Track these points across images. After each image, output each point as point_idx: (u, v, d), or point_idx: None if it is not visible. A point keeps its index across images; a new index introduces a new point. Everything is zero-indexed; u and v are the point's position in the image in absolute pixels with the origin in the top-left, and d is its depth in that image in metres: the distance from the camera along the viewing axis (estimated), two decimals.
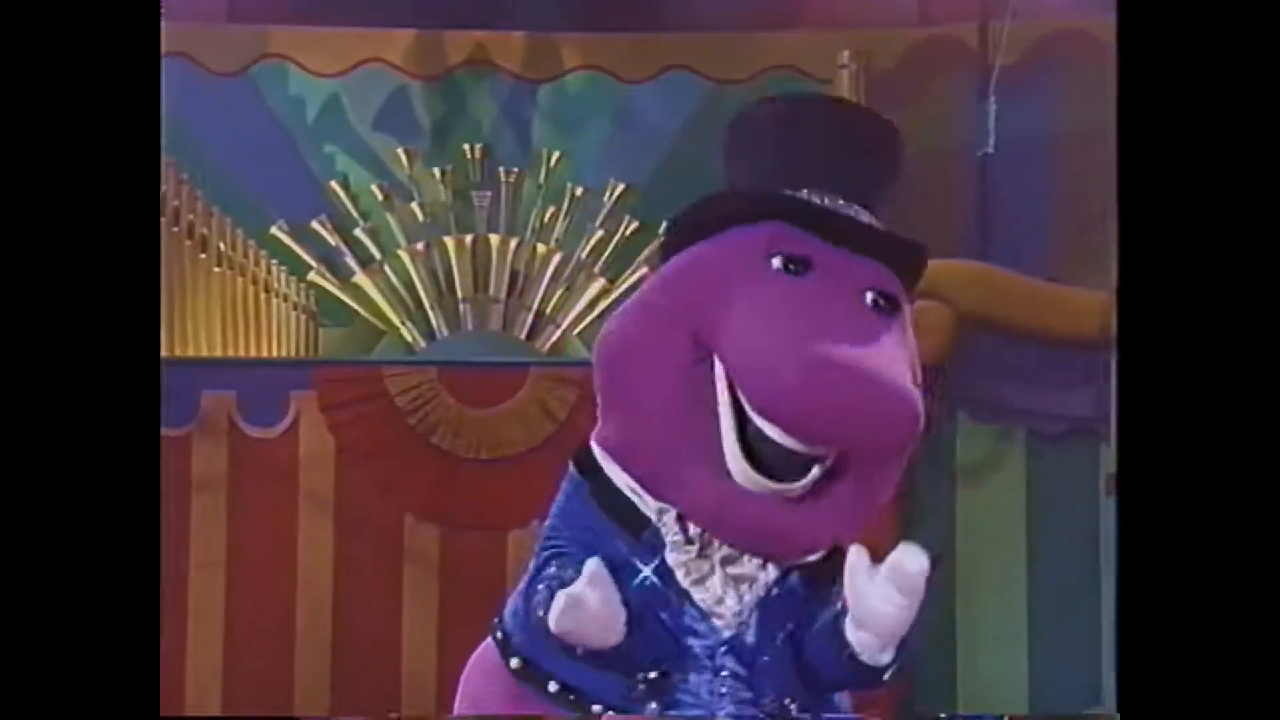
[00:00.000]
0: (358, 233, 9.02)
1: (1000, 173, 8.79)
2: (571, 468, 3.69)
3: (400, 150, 9.06)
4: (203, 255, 8.73)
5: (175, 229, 8.56)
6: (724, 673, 3.53)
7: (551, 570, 3.55)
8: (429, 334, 8.95)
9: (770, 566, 3.56)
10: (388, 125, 9.13)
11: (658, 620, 3.52)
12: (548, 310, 8.99)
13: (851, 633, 3.46)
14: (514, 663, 3.62)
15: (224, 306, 8.74)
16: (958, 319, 8.57)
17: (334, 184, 9.07)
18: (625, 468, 3.59)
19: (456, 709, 3.77)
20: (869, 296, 3.50)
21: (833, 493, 3.50)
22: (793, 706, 3.54)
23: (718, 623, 3.54)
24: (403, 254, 8.98)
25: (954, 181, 8.95)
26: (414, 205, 9.04)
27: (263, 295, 8.80)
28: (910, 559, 3.38)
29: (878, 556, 3.54)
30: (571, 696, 3.56)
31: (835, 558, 3.56)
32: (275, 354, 8.77)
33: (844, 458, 3.49)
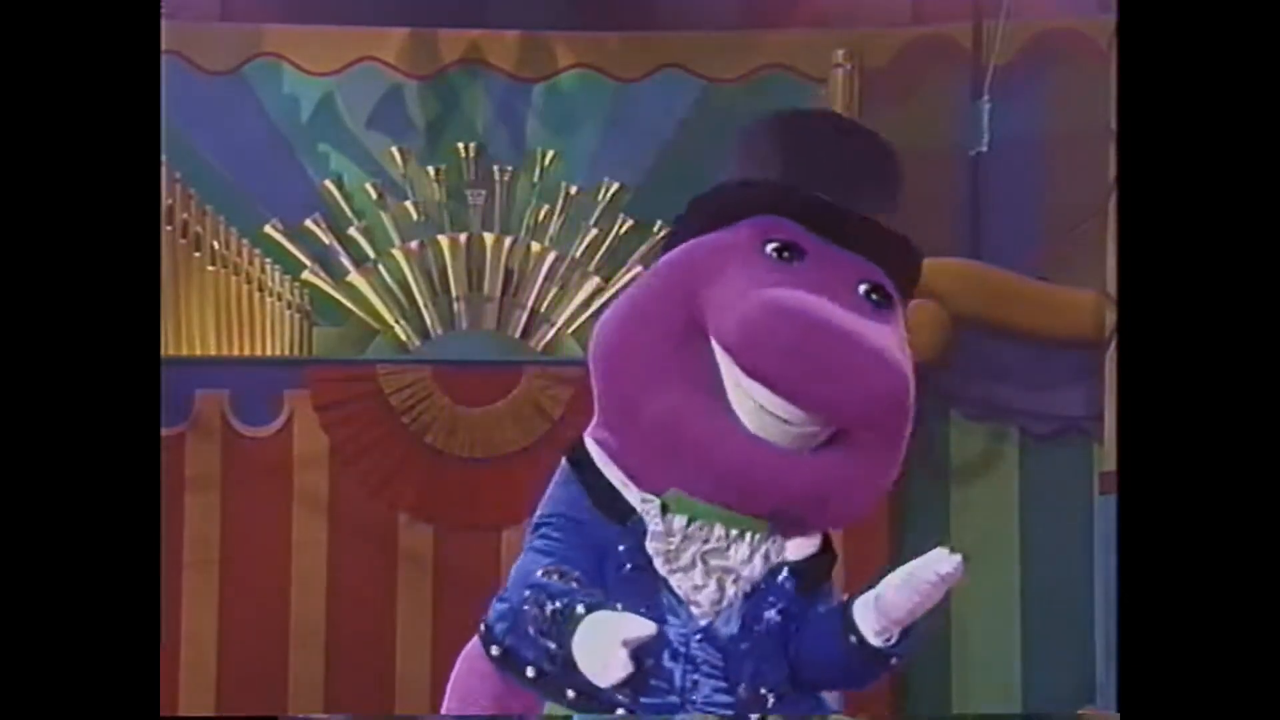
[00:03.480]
0: (352, 231, 9.01)
1: (993, 172, 8.79)
2: (564, 461, 3.74)
3: (394, 149, 9.05)
4: (196, 254, 8.73)
5: (169, 228, 8.56)
6: (698, 660, 3.56)
7: (541, 577, 3.57)
8: (423, 333, 8.94)
9: (756, 559, 3.58)
10: (382, 124, 9.12)
11: (632, 607, 3.53)
12: (542, 309, 8.99)
13: (861, 615, 3.52)
14: (494, 650, 3.64)
15: (218, 305, 8.74)
16: (950, 318, 8.59)
17: (328, 183, 9.06)
18: (617, 460, 3.64)
19: (445, 706, 3.79)
20: (862, 288, 3.59)
21: (829, 455, 3.55)
22: (770, 697, 3.56)
23: (695, 610, 3.57)
24: (397, 253, 8.98)
25: (947, 180, 8.96)
26: (408, 204, 9.03)
27: (256, 294, 8.80)
28: (944, 559, 3.45)
29: (870, 559, 3.62)
30: (549, 682, 3.57)
31: (827, 556, 3.66)
32: (269, 353, 8.77)
33: (843, 430, 3.54)
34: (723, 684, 3.56)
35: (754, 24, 9.30)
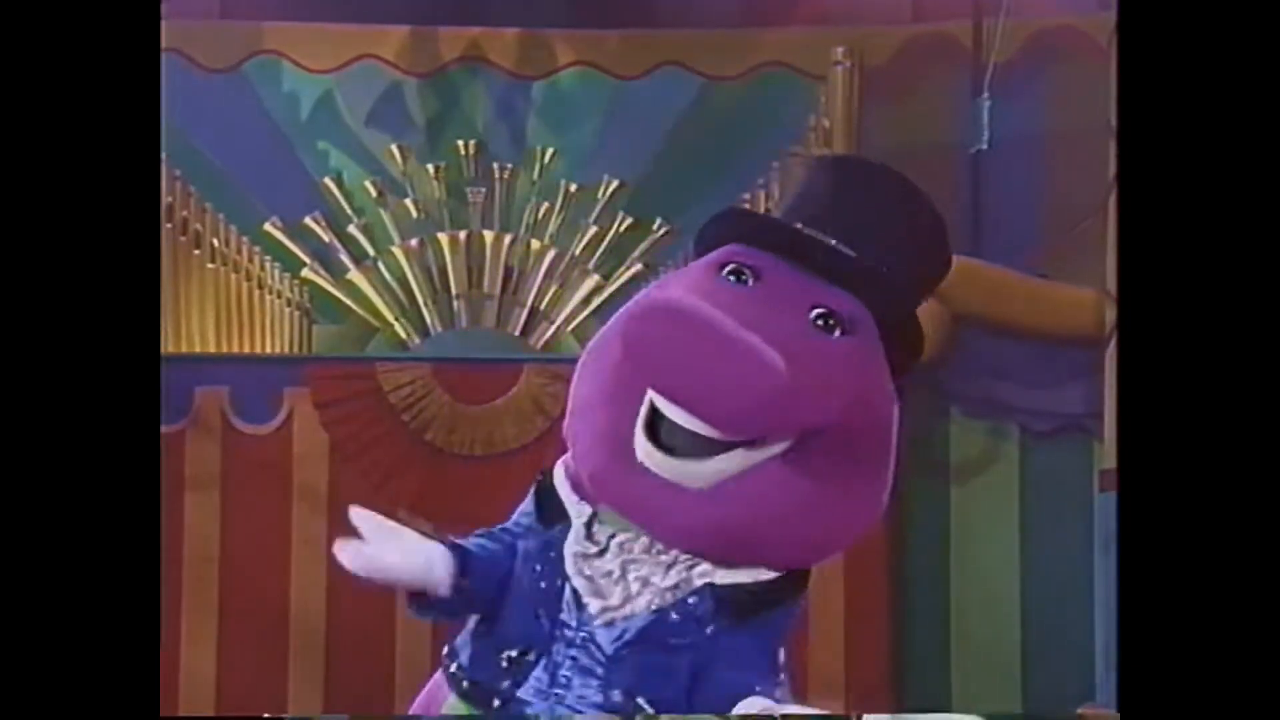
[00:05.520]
0: (351, 229, 9.01)
1: (993, 170, 8.80)
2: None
3: (394, 146, 9.05)
4: (196, 252, 8.73)
5: (169, 225, 8.56)
6: (579, 661, 3.52)
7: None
8: (423, 330, 8.95)
9: (672, 574, 3.52)
10: (381, 121, 9.13)
11: (532, 602, 3.56)
12: (541, 306, 8.99)
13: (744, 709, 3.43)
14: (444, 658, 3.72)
15: (217, 303, 8.74)
16: (950, 315, 8.59)
17: (328, 180, 9.07)
18: (569, 473, 3.65)
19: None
20: (814, 313, 3.49)
21: (747, 490, 3.46)
22: (647, 706, 3.48)
23: (593, 610, 3.52)
24: (396, 250, 8.98)
25: (947, 178, 8.95)
26: (408, 202, 9.03)
27: (256, 292, 8.80)
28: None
29: (870, 556, 3.57)
30: (461, 673, 3.64)
31: (771, 585, 3.54)
32: (269, 350, 8.77)
33: (767, 459, 3.45)
34: (593, 687, 3.50)
35: (754, 22, 9.30)
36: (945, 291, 8.47)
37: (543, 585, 3.57)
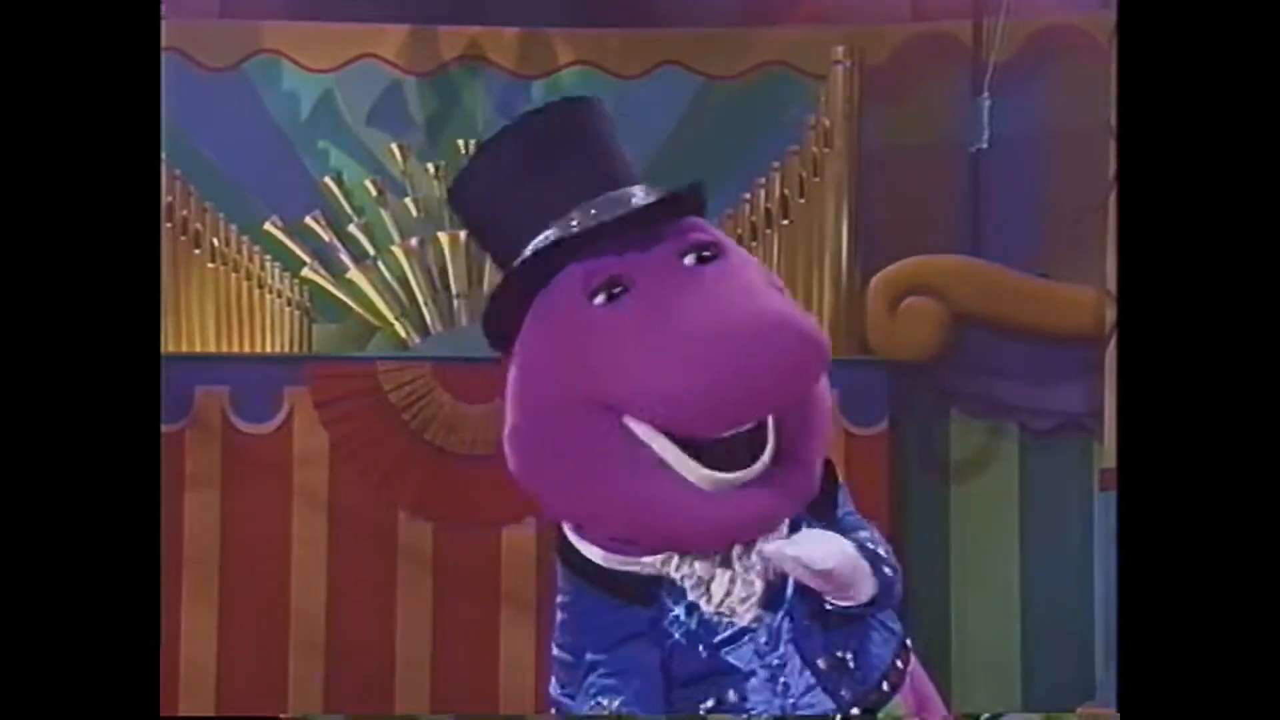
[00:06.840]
0: (351, 228, 9.01)
1: (993, 168, 8.80)
2: (559, 564, 3.61)
3: (394, 146, 9.04)
4: (196, 251, 8.72)
5: (169, 225, 8.56)
6: (773, 666, 3.50)
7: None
8: (423, 330, 8.94)
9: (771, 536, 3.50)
10: (381, 121, 9.13)
11: (699, 662, 3.48)
12: None
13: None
14: None
15: (218, 302, 8.74)
16: (950, 315, 8.59)
17: (328, 180, 9.06)
18: (601, 544, 3.53)
19: None
20: (688, 260, 3.46)
21: (772, 471, 3.43)
22: (848, 656, 3.52)
23: (749, 625, 3.49)
24: (396, 250, 8.98)
25: (947, 177, 8.96)
26: (408, 201, 9.03)
27: (256, 291, 8.80)
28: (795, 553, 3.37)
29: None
30: None
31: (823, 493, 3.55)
32: (269, 350, 8.77)
33: (780, 432, 3.43)
34: (802, 674, 3.48)
35: (754, 21, 9.30)
36: (945, 290, 8.54)
37: (700, 642, 3.49)
